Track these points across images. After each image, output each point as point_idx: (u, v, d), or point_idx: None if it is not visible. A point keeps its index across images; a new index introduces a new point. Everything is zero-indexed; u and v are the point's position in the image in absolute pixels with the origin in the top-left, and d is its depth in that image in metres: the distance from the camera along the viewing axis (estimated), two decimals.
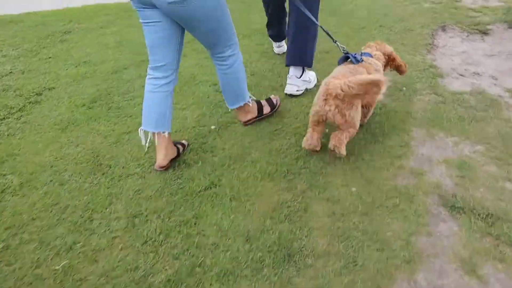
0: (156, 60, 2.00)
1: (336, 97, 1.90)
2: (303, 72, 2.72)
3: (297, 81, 2.71)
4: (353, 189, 1.97)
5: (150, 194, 2.05)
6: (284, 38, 3.27)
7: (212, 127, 2.52)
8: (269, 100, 2.56)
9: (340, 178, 2.04)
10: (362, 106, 2.13)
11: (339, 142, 1.97)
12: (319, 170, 2.10)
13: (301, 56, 2.64)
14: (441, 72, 2.97)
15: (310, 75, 2.83)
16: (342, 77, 1.95)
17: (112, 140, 2.50)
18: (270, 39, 3.39)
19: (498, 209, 1.83)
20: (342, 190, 1.97)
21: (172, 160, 2.21)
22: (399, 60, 2.42)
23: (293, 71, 2.71)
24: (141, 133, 2.14)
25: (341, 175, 2.06)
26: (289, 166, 2.14)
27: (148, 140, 2.14)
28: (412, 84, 2.82)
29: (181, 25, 1.92)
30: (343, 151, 1.98)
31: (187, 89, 3.00)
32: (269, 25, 3.22)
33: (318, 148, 2.11)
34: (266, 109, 2.52)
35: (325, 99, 1.93)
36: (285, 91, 2.75)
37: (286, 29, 2.84)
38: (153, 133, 2.11)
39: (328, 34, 2.31)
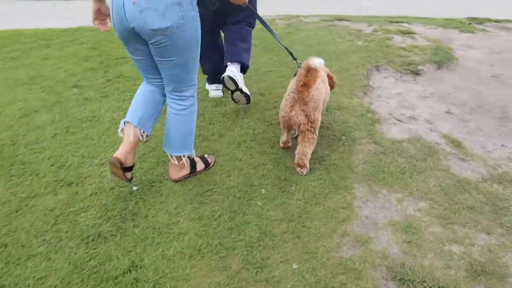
0: (149, 78, 2.06)
1: (303, 103, 2.16)
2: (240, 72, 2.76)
3: (238, 73, 2.69)
4: (295, 265, 1.74)
5: (55, 283, 1.67)
6: (219, 80, 3.12)
7: (134, 188, 2.20)
8: (202, 158, 2.36)
9: (280, 251, 1.81)
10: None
11: (304, 154, 2.21)
12: (256, 242, 1.85)
13: (239, 54, 2.74)
14: (378, 118, 2.90)
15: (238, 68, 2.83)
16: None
17: (12, 207, 2.08)
18: (206, 81, 3.27)
19: (448, 280, 1.70)
20: (282, 267, 1.73)
21: (126, 170, 2.02)
22: (333, 77, 2.62)
23: (232, 67, 2.72)
24: (122, 126, 2.06)
25: (280, 248, 1.83)
26: (222, 239, 1.86)
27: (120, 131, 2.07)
28: (351, 132, 2.71)
29: (155, 56, 1.87)
30: (307, 163, 2.24)
31: (107, 138, 2.65)
32: (204, 64, 3.08)
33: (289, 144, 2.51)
34: (200, 165, 2.31)
35: (292, 106, 2.18)
36: (226, 74, 2.63)
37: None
38: (129, 125, 2.01)
39: (288, 52, 2.53)
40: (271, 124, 2.80)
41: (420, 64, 3.87)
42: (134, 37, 1.80)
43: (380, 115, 2.94)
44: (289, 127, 2.33)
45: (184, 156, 2.14)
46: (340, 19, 5.40)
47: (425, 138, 2.71)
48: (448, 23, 5.71)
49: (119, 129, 2.07)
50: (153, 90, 2.06)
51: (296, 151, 2.26)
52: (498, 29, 6.01)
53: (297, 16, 6.01)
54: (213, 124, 2.79)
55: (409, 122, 2.92)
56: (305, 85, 2.08)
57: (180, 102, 2.01)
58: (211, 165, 2.36)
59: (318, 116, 2.21)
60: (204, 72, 3.14)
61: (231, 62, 2.72)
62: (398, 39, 4.55)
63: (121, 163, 1.97)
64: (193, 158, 2.24)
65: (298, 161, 2.23)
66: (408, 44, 4.40)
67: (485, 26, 6.21)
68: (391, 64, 3.82)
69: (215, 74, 3.09)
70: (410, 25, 5.39)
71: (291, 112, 2.18)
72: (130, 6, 1.68)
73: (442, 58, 4.03)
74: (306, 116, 2.16)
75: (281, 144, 2.50)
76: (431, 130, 2.85)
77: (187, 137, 2.10)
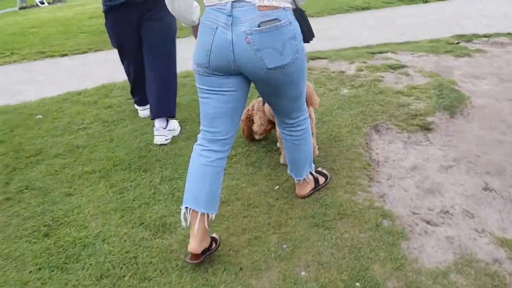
0: (217, 133, 1.75)
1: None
2: (167, 123, 2.92)
3: (164, 131, 2.88)
4: None
5: None
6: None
7: None
8: (318, 171, 2.29)
9: None
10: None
11: None
12: None
13: (165, 108, 2.91)
14: (401, 227, 1.95)
15: (174, 125, 3.03)
16: None
17: None
18: (136, 105, 3.39)
19: None
20: None
21: (204, 253, 1.75)
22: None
23: (159, 123, 2.89)
24: (184, 213, 1.74)
25: None
26: None
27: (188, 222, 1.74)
28: (366, 270, 1.70)
29: (265, 92, 1.77)
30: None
31: None
32: (135, 91, 3.24)
33: None
34: (321, 179, 2.26)
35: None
36: (155, 142, 2.88)
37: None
38: (195, 213, 1.71)
39: None
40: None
41: (429, 114, 2.99)
42: (230, 73, 1.64)
43: (402, 220, 1.99)
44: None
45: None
46: (314, 57, 4.54)
47: (477, 255, 1.78)
48: (436, 47, 4.93)
49: (182, 217, 1.75)
50: (211, 161, 1.75)
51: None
52: (492, 46, 5.29)
53: None
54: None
55: (443, 223, 1.99)
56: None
57: (297, 128, 1.96)
58: (329, 178, 2.31)
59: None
60: (135, 100, 3.34)
61: (159, 117, 2.89)
62: (390, 79, 3.69)
63: (203, 253, 1.74)
64: (313, 173, 2.20)
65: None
66: (405, 85, 3.54)
67: (476, 43, 5.52)
68: (393, 120, 2.92)
69: (145, 101, 3.21)
70: (396, 55, 4.56)
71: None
72: (243, 45, 1.53)
73: (452, 101, 3.17)
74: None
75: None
76: (477, 232, 1.93)
77: (309, 156, 2.09)
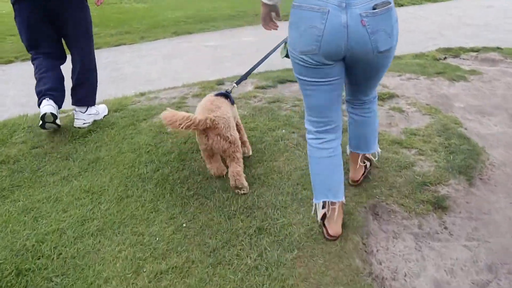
0: (328, 122, 1.77)
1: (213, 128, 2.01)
2: (87, 108, 2.95)
3: (83, 115, 2.92)
4: None
5: None
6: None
7: None
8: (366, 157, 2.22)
9: None
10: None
11: (238, 174, 2.08)
12: None
13: (82, 99, 2.93)
14: None
15: (98, 108, 3.07)
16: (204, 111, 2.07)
17: None
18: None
19: None
20: None
21: None
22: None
23: (78, 108, 2.93)
24: (317, 207, 1.84)
25: None
26: None
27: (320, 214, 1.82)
28: None
29: (360, 75, 1.75)
30: (245, 182, 2.12)
31: None
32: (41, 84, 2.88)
33: (225, 171, 2.23)
34: (368, 164, 2.21)
35: (206, 135, 2.03)
36: (74, 125, 2.91)
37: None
38: (333, 204, 1.78)
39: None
40: None
41: (441, 183, 2.20)
42: (337, 58, 1.59)
43: None
44: (213, 155, 2.20)
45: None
46: (283, 80, 3.71)
47: None
48: (424, 65, 4.22)
49: (314, 211, 1.86)
50: (332, 151, 1.78)
51: (229, 174, 2.13)
52: (484, 64, 4.68)
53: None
54: None
55: None
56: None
57: (369, 105, 1.96)
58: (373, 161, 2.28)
59: (235, 134, 2.11)
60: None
61: (79, 106, 2.94)
62: (381, 118, 2.88)
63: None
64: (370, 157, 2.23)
65: (236, 183, 2.10)
66: (401, 129, 2.74)
67: (465, 59, 4.91)
68: (396, 195, 2.10)
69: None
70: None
71: (208, 141, 2.05)
72: (358, 28, 1.50)
73: (465, 158, 2.41)
74: (225, 139, 2.04)
75: (213, 174, 2.27)
76: None
77: (376, 133, 2.09)
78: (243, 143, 2.32)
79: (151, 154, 2.54)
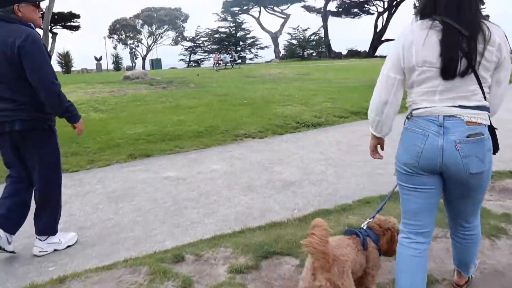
0: (421, 226, 1.98)
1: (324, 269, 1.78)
2: (47, 236, 3.02)
3: (41, 243, 2.99)
4: None
5: None
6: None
7: None
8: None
9: None
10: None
11: None
12: None
13: (41, 229, 3.01)
14: None
15: (63, 237, 3.11)
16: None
17: None
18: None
19: None
20: None
21: None
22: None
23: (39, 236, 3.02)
24: None
25: None
26: None
27: None
28: None
29: (455, 193, 1.98)
30: None
31: None
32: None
33: None
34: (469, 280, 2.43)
35: (313, 274, 1.81)
36: (32, 252, 2.99)
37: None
38: None
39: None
40: None
41: None
42: (433, 173, 1.88)
43: None
44: None
45: None
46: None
47: None
48: None
49: None
50: (419, 252, 1.96)
51: None
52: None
53: None
54: None
55: None
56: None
57: (471, 232, 2.13)
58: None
59: (349, 283, 1.82)
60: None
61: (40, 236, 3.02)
62: None
63: None
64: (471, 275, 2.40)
65: None
66: None
67: None
68: None
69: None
70: None
71: (313, 281, 1.78)
72: (452, 151, 1.80)
73: None
74: (333, 285, 1.76)
75: None
76: None
77: (475, 256, 2.27)
78: None
79: None
